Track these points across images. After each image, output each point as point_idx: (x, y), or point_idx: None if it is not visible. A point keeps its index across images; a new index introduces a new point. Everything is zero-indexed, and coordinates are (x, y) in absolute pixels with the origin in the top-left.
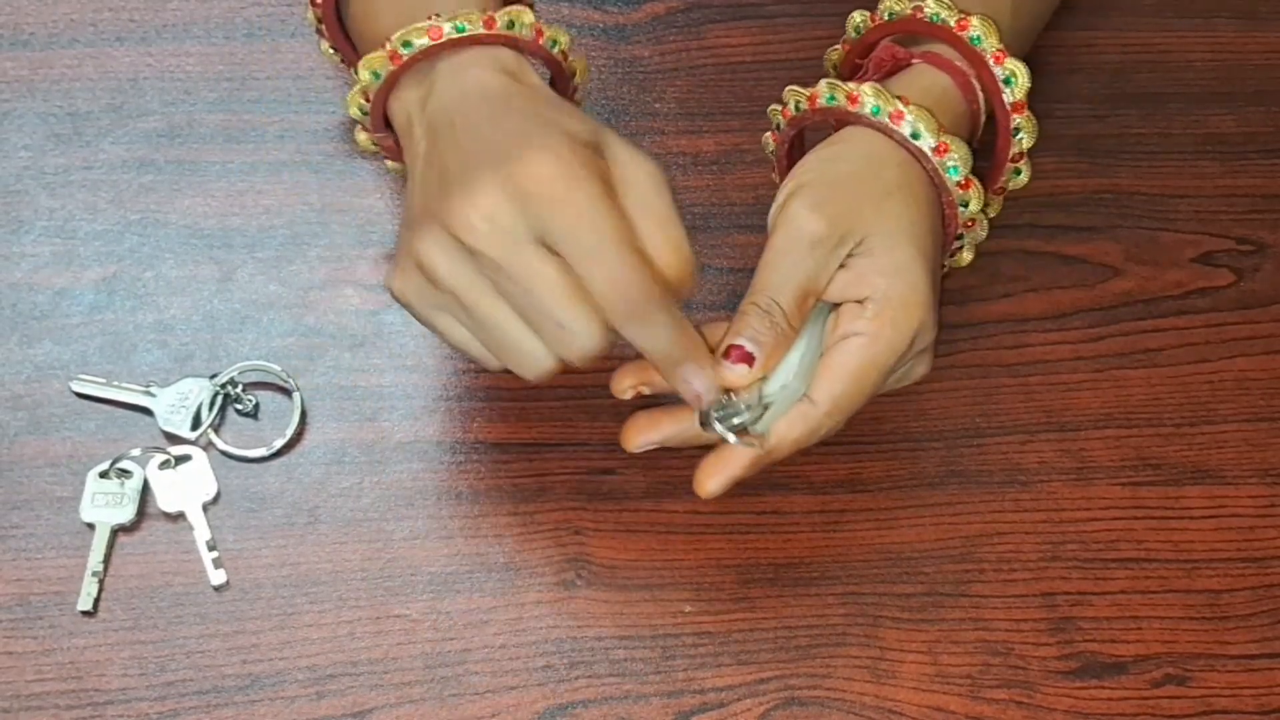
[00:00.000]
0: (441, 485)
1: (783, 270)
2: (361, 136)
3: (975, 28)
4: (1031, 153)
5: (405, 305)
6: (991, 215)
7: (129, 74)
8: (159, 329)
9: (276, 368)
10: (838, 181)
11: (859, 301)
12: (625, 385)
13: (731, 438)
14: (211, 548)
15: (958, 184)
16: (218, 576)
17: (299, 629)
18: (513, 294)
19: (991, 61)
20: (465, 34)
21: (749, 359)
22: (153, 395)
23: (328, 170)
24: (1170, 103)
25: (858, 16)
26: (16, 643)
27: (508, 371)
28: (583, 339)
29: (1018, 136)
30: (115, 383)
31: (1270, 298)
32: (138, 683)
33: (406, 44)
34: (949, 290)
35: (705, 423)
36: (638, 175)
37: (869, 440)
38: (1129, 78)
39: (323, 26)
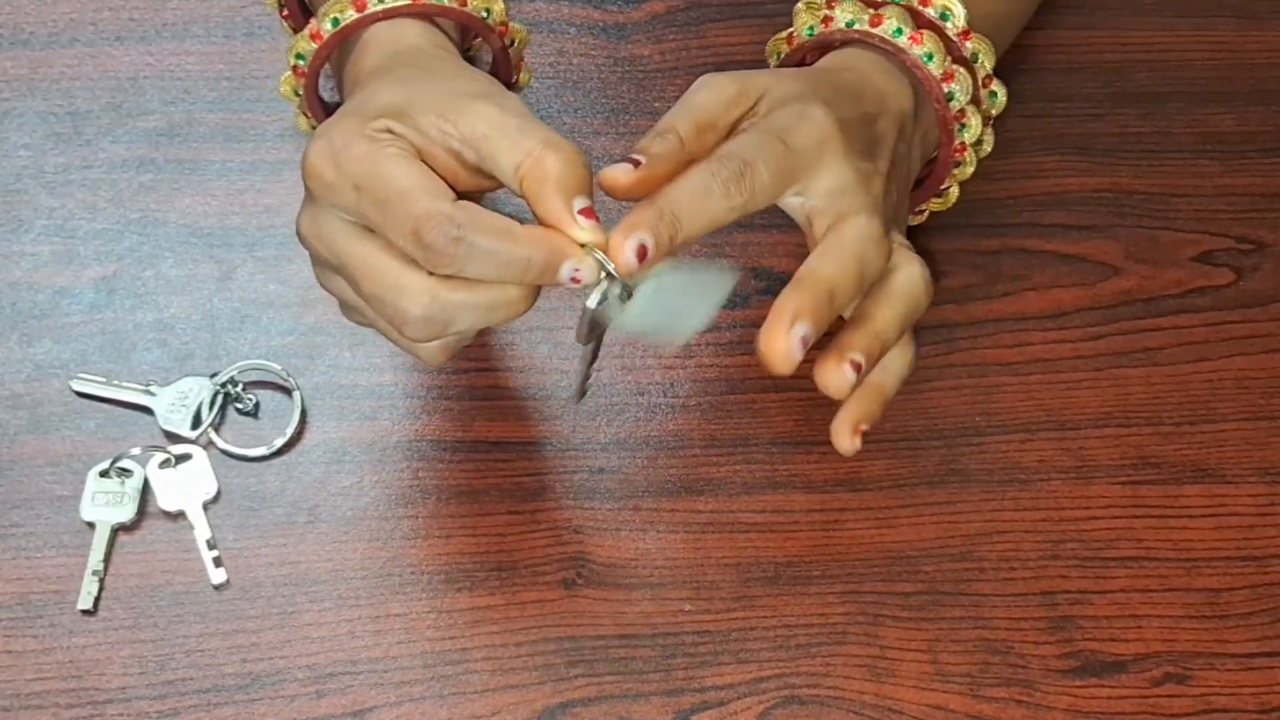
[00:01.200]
0: (441, 484)
1: (685, 109)
2: (301, 121)
3: (890, 17)
4: (1030, 152)
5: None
6: (985, 153)
7: (129, 73)
8: (159, 328)
9: (276, 367)
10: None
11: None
12: (844, 433)
13: (594, 299)
14: (212, 546)
15: (958, 112)
16: (218, 575)
17: (299, 628)
18: (353, 289)
19: (919, 5)
20: (383, 8)
21: (634, 163)
22: (153, 394)
23: None
24: (1170, 102)
25: (771, 43)
26: (16, 641)
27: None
28: (407, 303)
29: (978, 61)
30: (115, 382)
31: (1270, 297)
32: (138, 681)
33: (334, 21)
34: (948, 290)
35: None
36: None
37: (869, 439)
38: (1128, 77)
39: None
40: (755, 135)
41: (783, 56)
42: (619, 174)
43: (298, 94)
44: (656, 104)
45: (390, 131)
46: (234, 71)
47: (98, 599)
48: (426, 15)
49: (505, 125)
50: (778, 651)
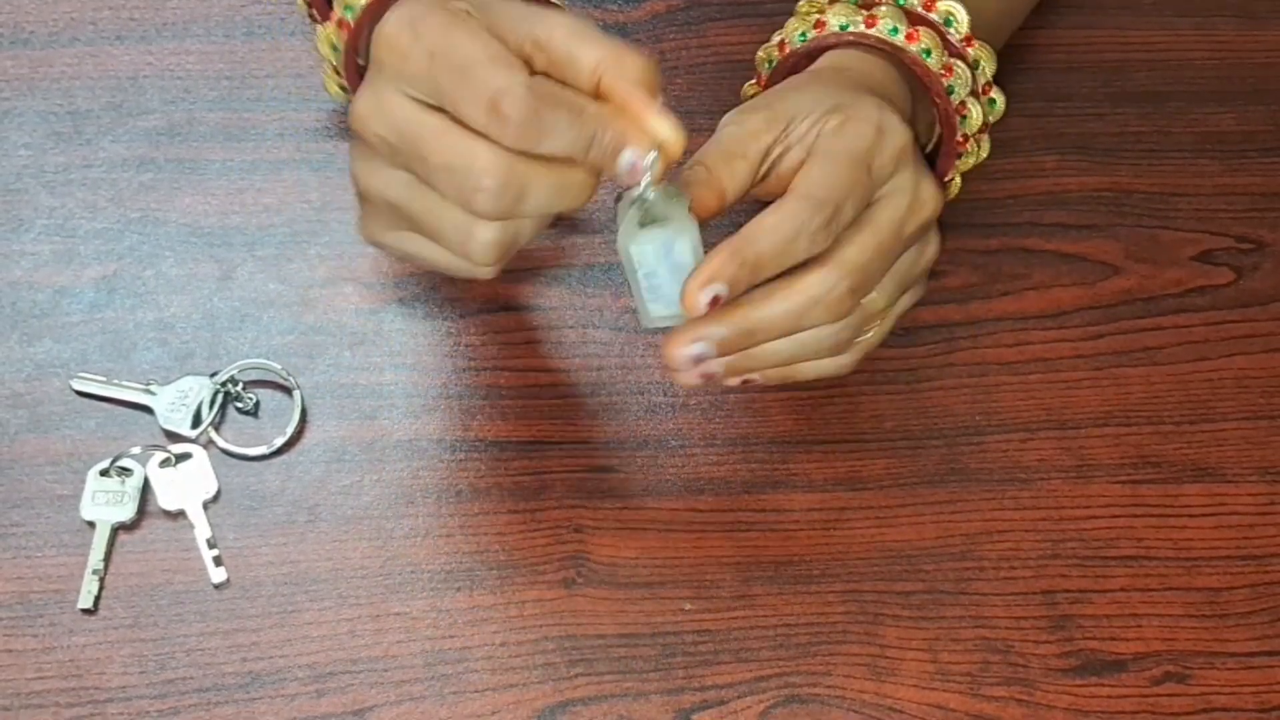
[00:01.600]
0: (441, 483)
1: (712, 144)
2: (330, 81)
3: (885, 17)
4: (1030, 151)
5: (377, 245)
6: (977, 160)
7: (129, 72)
8: (159, 327)
9: (277, 366)
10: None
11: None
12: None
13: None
14: (212, 546)
15: (959, 104)
16: (218, 574)
17: (299, 627)
18: (417, 168)
19: (921, 10)
20: None
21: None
22: (153, 393)
23: (328, 168)
24: (1170, 101)
25: (762, 51)
26: (17, 640)
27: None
28: (481, 170)
29: (979, 68)
30: (115, 381)
31: (1270, 296)
32: (138, 680)
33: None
34: (949, 289)
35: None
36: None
37: (869, 438)
38: (1128, 76)
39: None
40: (840, 168)
41: (775, 64)
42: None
43: (335, 48)
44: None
45: (468, 13)
46: (234, 71)
47: (98, 598)
48: None
49: (581, 30)
50: (778, 650)
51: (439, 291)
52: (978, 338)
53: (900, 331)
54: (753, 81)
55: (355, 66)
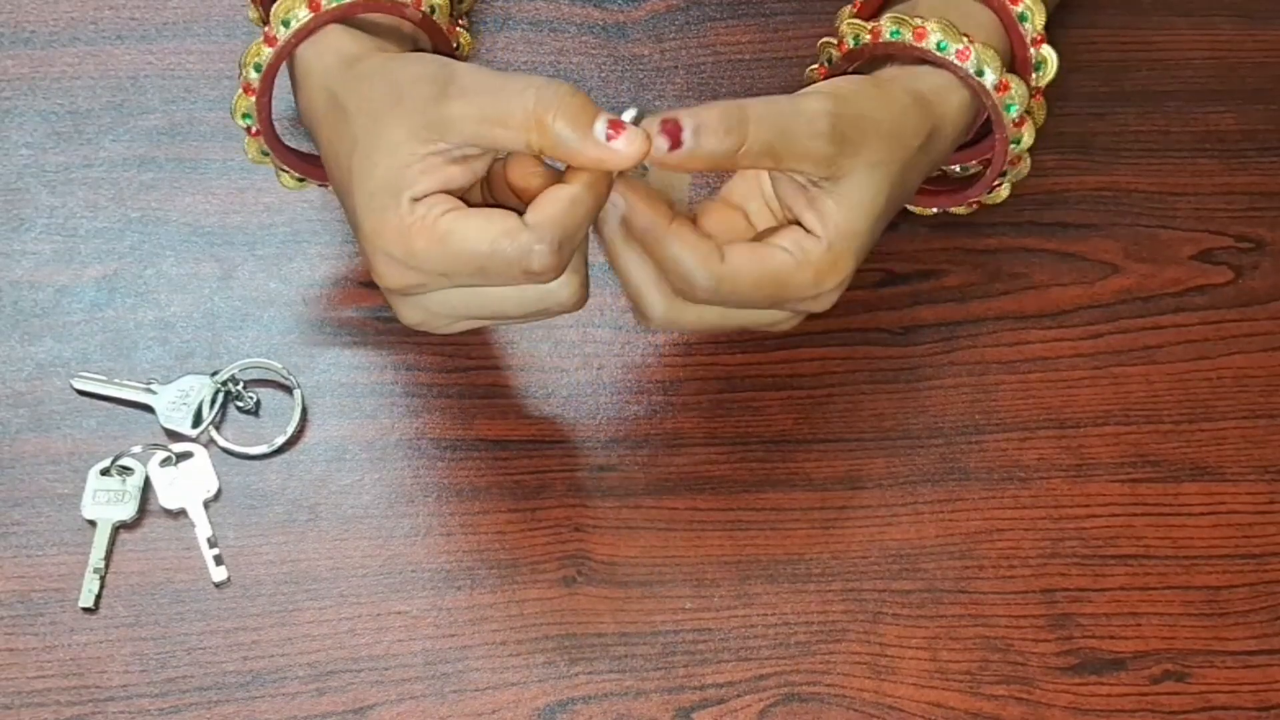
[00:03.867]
0: (442, 482)
1: (774, 119)
2: (252, 147)
3: (934, 32)
4: (1031, 151)
5: (424, 330)
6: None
7: (130, 72)
8: (160, 326)
9: (277, 365)
10: (861, 107)
11: (805, 230)
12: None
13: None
14: (212, 544)
15: (1013, 121)
16: (219, 573)
17: (300, 625)
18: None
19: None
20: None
21: (678, 140)
22: (154, 392)
23: None
24: (1169, 100)
25: (821, 47)
26: (18, 639)
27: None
28: (565, 300)
29: (1040, 70)
30: (116, 380)
31: (1269, 295)
32: (139, 679)
33: (285, 23)
34: (948, 288)
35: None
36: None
37: (869, 437)
38: (1128, 75)
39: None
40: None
41: (834, 61)
42: (656, 153)
43: (247, 117)
44: (657, 103)
45: (415, 200)
46: (235, 70)
47: (99, 597)
48: (374, 9)
49: (485, 114)
50: (778, 649)
51: None
52: (977, 337)
53: (900, 330)
54: (813, 68)
55: (271, 129)
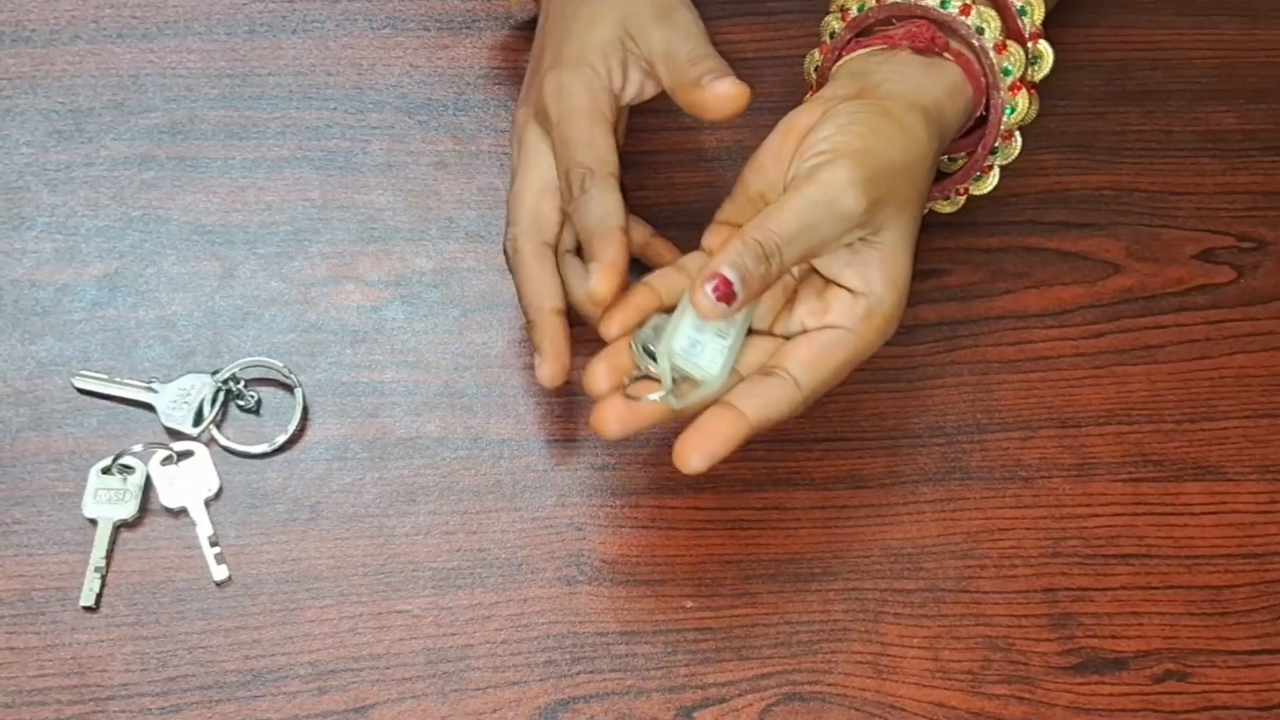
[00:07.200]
0: (443, 481)
1: (801, 226)
2: None
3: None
4: (1031, 150)
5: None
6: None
7: (131, 70)
8: (161, 325)
9: (278, 364)
10: (884, 155)
11: (850, 291)
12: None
13: (654, 399)
14: (214, 543)
15: (1009, 86)
16: (220, 572)
17: (301, 624)
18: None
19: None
20: None
21: (730, 297)
22: (155, 391)
23: (329, 167)
24: (1171, 100)
25: (826, 24)
26: (19, 638)
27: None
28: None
29: (1037, 64)
30: (117, 379)
31: (1270, 295)
32: (140, 678)
33: None
34: (950, 287)
35: (644, 353)
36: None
37: (870, 436)
38: (1130, 75)
39: None
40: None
41: (836, 34)
42: (710, 310)
43: None
44: (657, 102)
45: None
46: (235, 69)
47: (100, 595)
48: None
49: (678, 53)
50: (779, 648)
51: (439, 290)
52: (979, 336)
53: (902, 330)
54: (813, 51)
55: None
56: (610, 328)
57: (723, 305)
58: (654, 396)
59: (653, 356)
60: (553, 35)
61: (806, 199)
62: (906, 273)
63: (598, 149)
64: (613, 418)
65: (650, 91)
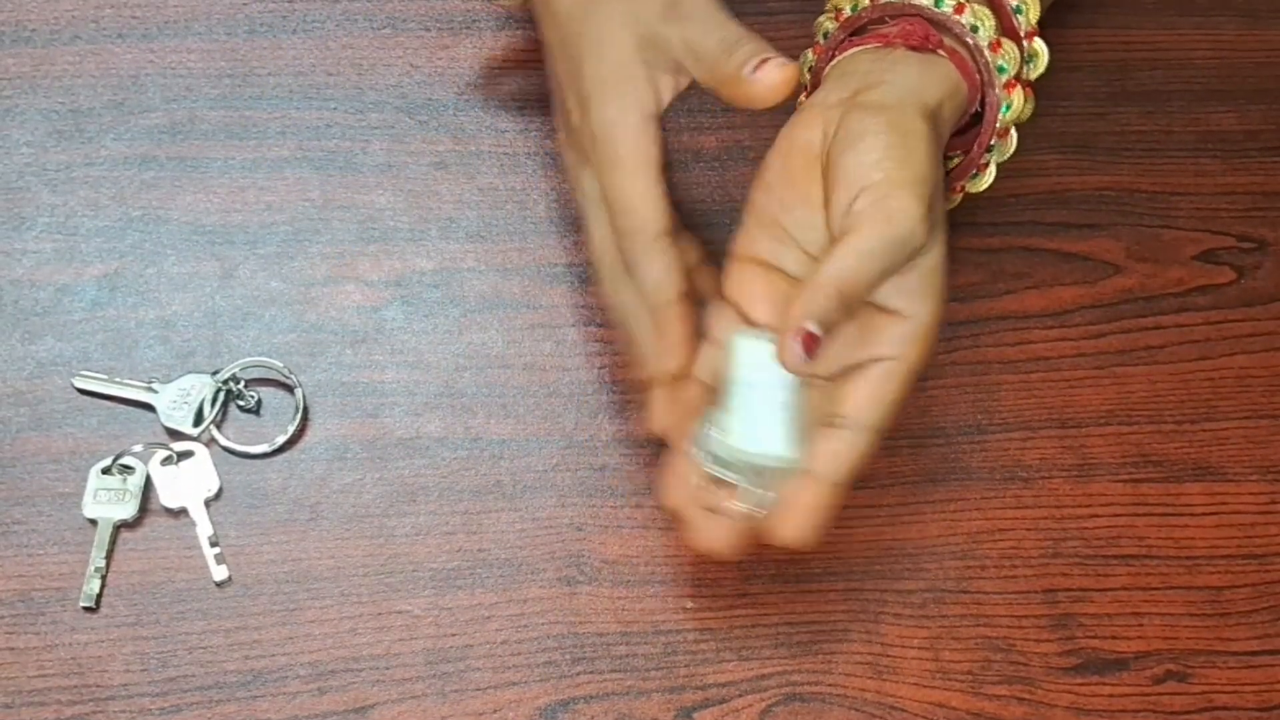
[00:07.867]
0: (443, 481)
1: (880, 268)
2: None
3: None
4: (1031, 150)
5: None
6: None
7: (131, 70)
8: (161, 325)
9: (278, 364)
10: (930, 177)
11: (893, 313)
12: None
13: (740, 506)
14: (214, 543)
15: (1004, 83)
16: (220, 572)
17: (301, 625)
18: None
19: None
20: None
21: (815, 349)
22: (155, 391)
23: (329, 167)
24: (1171, 100)
25: (819, 24)
26: (19, 638)
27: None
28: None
29: (1032, 63)
30: (117, 379)
31: (1271, 295)
32: (140, 678)
33: None
34: (950, 288)
35: (708, 457)
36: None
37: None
38: (1130, 75)
39: None
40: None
41: (830, 35)
42: (795, 363)
43: None
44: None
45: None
46: (236, 69)
47: (100, 596)
48: None
49: (705, 48)
50: (779, 649)
51: (440, 290)
52: (979, 336)
53: None
54: (806, 52)
55: None
56: (674, 438)
57: (809, 359)
58: (741, 506)
59: (720, 463)
60: (566, 63)
61: (883, 239)
62: (945, 285)
63: (643, 209)
64: (721, 540)
65: (685, 82)
